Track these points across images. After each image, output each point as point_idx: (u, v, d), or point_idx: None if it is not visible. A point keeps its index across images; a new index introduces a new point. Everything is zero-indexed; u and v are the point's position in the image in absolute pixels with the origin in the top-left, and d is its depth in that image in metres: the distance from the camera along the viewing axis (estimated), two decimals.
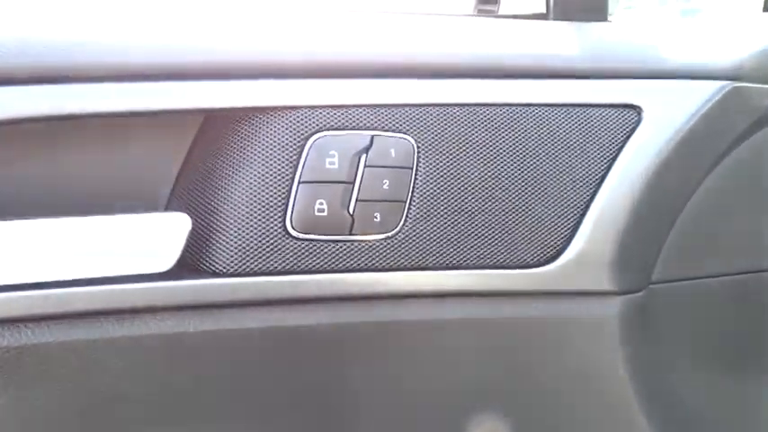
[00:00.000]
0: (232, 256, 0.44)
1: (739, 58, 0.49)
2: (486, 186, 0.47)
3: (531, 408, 0.52)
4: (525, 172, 0.48)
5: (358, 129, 0.45)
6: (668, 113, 0.48)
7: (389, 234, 0.46)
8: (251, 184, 0.44)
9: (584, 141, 0.48)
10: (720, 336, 0.55)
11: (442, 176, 0.47)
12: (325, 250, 0.45)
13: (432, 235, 0.46)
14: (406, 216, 0.46)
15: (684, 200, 0.50)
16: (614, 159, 0.48)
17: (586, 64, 0.49)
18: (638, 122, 0.48)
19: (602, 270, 0.48)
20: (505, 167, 0.47)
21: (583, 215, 0.48)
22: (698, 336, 0.54)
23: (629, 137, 0.48)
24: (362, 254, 0.46)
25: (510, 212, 0.47)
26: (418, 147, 0.46)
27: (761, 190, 0.53)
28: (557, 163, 0.48)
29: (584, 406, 0.51)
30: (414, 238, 0.46)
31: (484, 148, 0.47)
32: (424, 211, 0.46)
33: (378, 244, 0.46)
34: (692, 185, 0.50)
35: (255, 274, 0.44)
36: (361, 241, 0.45)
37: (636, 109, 0.49)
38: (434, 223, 0.46)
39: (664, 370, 0.53)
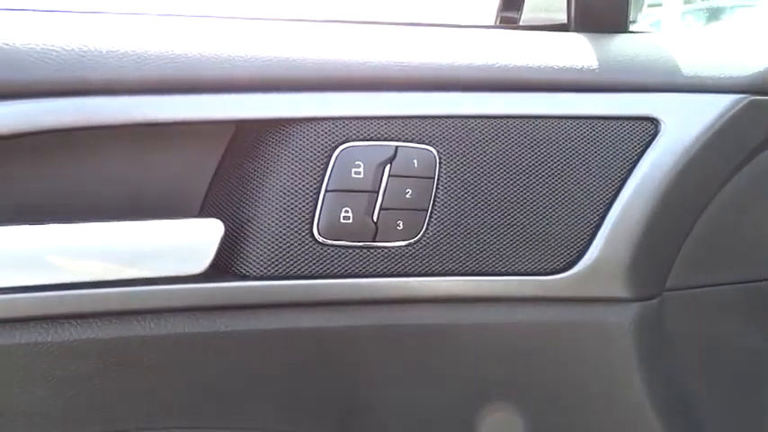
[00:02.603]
0: (262, 261, 0.46)
1: (756, 72, 0.50)
2: (506, 196, 0.49)
3: (546, 411, 0.53)
4: (544, 182, 0.49)
5: (382, 140, 0.47)
6: (686, 126, 0.49)
7: (411, 241, 0.48)
8: (280, 191, 0.46)
9: (603, 152, 0.49)
10: (734, 343, 0.56)
11: (462, 186, 0.48)
12: (350, 256, 0.47)
13: (452, 242, 0.48)
14: (428, 224, 0.48)
15: (700, 209, 0.51)
16: (631, 170, 0.49)
17: (606, 77, 0.50)
18: (655, 134, 0.49)
19: (618, 277, 0.49)
20: (524, 178, 0.49)
21: (599, 224, 0.49)
22: (712, 342, 0.55)
23: (646, 148, 0.49)
24: (385, 260, 0.47)
25: (528, 221, 0.49)
26: (440, 157, 0.48)
27: None
28: (575, 173, 0.49)
29: (599, 410, 0.53)
30: (435, 245, 0.48)
31: (504, 159, 0.49)
32: (445, 219, 0.48)
33: (400, 251, 0.48)
34: (708, 196, 0.51)
35: (284, 277, 0.46)
36: (385, 248, 0.47)
37: (654, 121, 0.50)
38: (455, 231, 0.48)
39: (678, 376, 0.54)
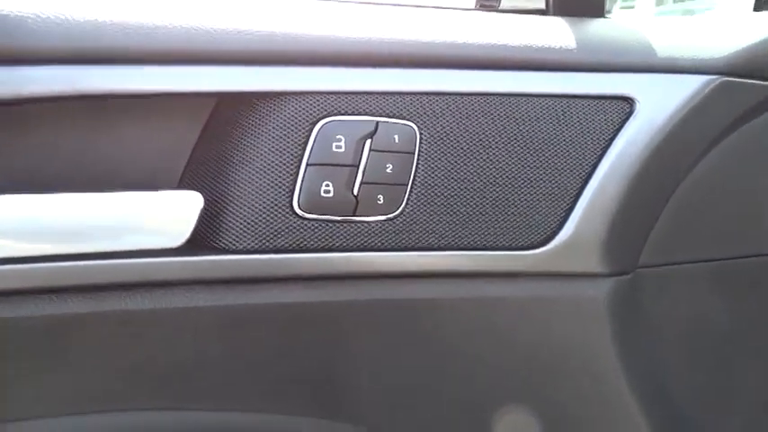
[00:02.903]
0: (241, 234, 0.46)
1: (728, 55, 0.52)
2: (485, 172, 0.49)
3: (523, 384, 0.54)
4: (522, 158, 0.50)
5: (364, 114, 0.47)
6: (660, 105, 0.51)
7: (391, 216, 0.48)
8: (261, 165, 0.46)
9: (580, 130, 0.50)
10: (708, 319, 0.57)
11: (442, 161, 0.49)
12: (331, 230, 0.47)
13: (431, 217, 0.49)
14: (408, 199, 0.48)
15: (673, 187, 0.52)
16: (607, 147, 0.50)
17: (583, 57, 0.51)
18: (630, 113, 0.51)
19: (593, 253, 0.50)
20: (503, 154, 0.50)
21: (576, 200, 0.50)
22: (687, 318, 0.56)
23: (622, 127, 0.50)
24: (365, 234, 0.48)
25: (506, 197, 0.50)
26: (420, 133, 0.48)
27: (745, 179, 0.55)
28: (553, 150, 0.50)
29: (575, 384, 0.54)
30: (414, 219, 0.48)
31: (483, 136, 0.49)
32: (425, 194, 0.49)
33: (380, 225, 0.48)
34: (681, 174, 0.52)
35: (263, 251, 0.46)
36: (365, 222, 0.48)
37: (629, 101, 0.51)
38: (434, 206, 0.49)
39: (653, 350, 0.55)
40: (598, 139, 0.50)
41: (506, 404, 0.55)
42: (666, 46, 0.52)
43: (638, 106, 0.50)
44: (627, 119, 0.50)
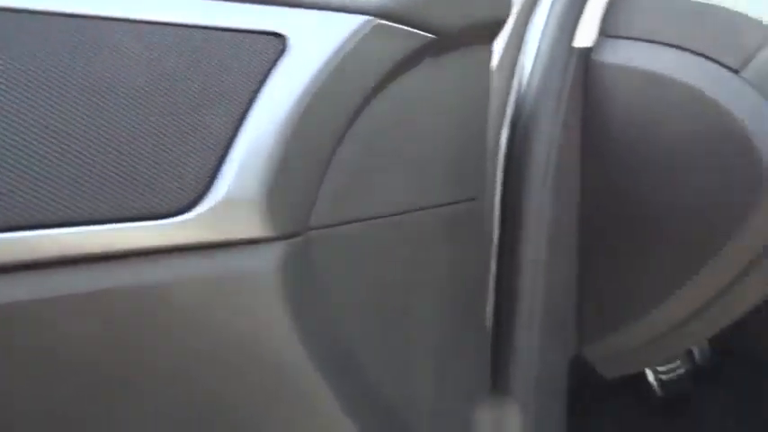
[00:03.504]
0: None
1: None
2: (102, 117, 0.37)
3: (192, 386, 0.44)
4: (153, 102, 0.39)
5: None
6: (314, 45, 0.45)
7: None
8: None
9: (225, 69, 0.42)
10: (383, 277, 0.55)
11: (28, 103, 0.35)
12: None
13: (20, 184, 0.35)
14: None
15: (338, 138, 0.48)
16: (259, 90, 0.43)
17: None
18: (282, 52, 0.44)
19: (254, 213, 0.42)
20: (130, 96, 0.38)
21: (227, 151, 0.41)
22: (360, 281, 0.53)
23: (273, 67, 0.44)
24: None
25: (134, 150, 0.38)
26: None
27: (410, 131, 0.54)
28: (194, 92, 0.41)
29: (253, 370, 0.45)
30: None
31: (96, 70, 0.37)
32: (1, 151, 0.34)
33: None
34: (344, 125, 0.48)
35: None
36: None
37: (281, 38, 0.44)
38: (20, 167, 0.35)
39: (333, 319, 0.50)
40: (247, 79, 0.43)
41: (180, 404, 0.44)
42: None
43: (289, 44, 0.44)
44: (279, 58, 0.44)
